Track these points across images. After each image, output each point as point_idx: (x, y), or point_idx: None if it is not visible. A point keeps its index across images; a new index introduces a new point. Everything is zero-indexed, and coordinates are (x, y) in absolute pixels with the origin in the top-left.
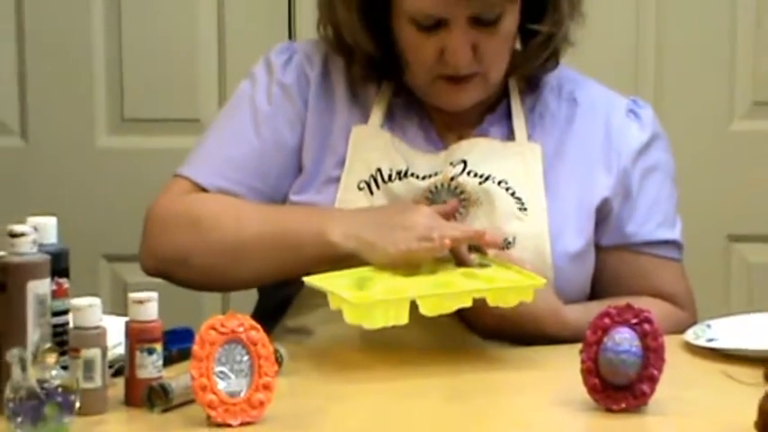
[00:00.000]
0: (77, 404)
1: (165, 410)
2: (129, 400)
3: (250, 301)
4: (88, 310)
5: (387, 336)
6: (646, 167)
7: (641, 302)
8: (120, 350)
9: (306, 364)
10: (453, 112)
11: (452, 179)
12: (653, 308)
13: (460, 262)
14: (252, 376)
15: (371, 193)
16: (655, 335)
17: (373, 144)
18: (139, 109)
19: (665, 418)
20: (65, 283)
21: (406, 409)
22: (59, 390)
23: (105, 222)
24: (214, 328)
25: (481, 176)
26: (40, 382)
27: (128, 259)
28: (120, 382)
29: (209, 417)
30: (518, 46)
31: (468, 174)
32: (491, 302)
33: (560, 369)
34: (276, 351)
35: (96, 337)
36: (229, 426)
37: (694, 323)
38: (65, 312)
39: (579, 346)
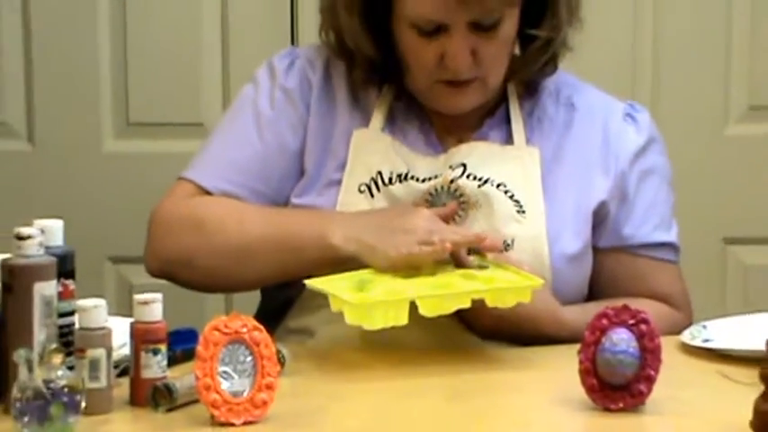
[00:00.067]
0: (83, 404)
1: (170, 410)
2: (134, 400)
3: (253, 303)
4: (94, 311)
5: (387, 336)
6: (642, 170)
7: (638, 304)
8: (126, 351)
9: (308, 365)
10: (453, 115)
11: (452, 182)
12: (650, 309)
13: (459, 264)
14: (255, 376)
15: (372, 195)
16: (652, 336)
17: (374, 147)
18: (144, 113)
19: (661, 418)
20: (71, 284)
21: (406, 408)
22: (65, 390)
23: (111, 225)
24: (218, 329)
25: (480, 179)
26: (47, 382)
27: (133, 261)
28: (125, 382)
29: (212, 416)
30: (517, 51)
31: (468, 177)
32: (489, 303)
33: (558, 369)
34: (279, 351)
35: (102, 337)
36: (233, 425)
37: (690, 324)
38: (71, 313)
39: (577, 346)
